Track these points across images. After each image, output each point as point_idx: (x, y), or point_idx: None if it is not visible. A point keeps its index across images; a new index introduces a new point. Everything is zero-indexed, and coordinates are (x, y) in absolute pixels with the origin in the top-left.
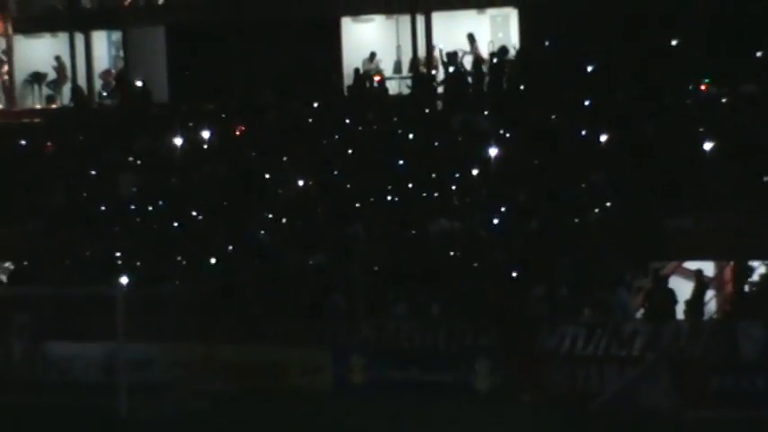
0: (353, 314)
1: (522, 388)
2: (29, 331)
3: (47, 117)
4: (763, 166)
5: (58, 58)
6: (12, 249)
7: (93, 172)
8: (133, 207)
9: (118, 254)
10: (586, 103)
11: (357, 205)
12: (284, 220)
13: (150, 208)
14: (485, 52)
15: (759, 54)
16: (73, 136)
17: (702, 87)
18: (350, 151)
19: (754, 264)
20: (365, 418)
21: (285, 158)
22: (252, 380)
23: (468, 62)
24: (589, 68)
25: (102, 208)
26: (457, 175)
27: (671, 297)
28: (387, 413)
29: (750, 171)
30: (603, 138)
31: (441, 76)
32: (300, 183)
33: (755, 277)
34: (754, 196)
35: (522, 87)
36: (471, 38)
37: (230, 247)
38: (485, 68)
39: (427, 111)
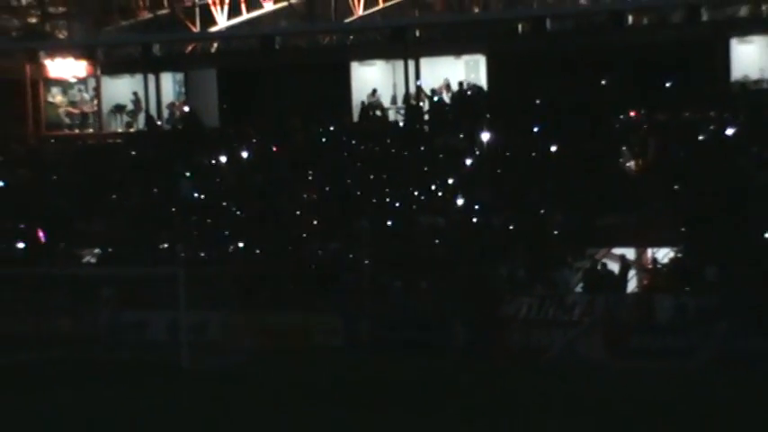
0: (360, 289)
1: (489, 345)
2: (112, 302)
3: (126, 138)
4: (669, 176)
5: (135, 94)
6: (100, 238)
7: (162, 178)
8: (190, 207)
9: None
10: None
11: (363, 205)
12: (309, 217)
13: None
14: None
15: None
16: (146, 152)
17: (632, 114)
18: (358, 164)
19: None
20: (369, 367)
21: (308, 170)
22: (282, 339)
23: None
24: (537, 101)
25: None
26: (438, 182)
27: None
28: (385, 364)
29: (660, 180)
30: (552, 153)
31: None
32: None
33: (666, 260)
34: (663, 199)
35: (488, 116)
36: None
37: (268, 238)
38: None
39: (417, 132)
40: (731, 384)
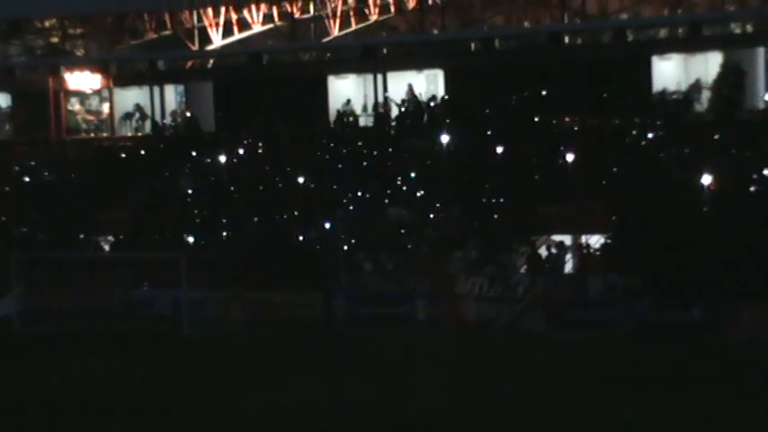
0: (337, 270)
1: (447, 318)
2: (124, 282)
3: (135, 141)
4: (600, 174)
5: (137, 105)
6: (112, 227)
7: (166, 175)
8: (190, 200)
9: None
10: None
11: (339, 198)
12: (293, 209)
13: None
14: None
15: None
16: (152, 152)
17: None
18: (334, 163)
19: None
20: (343, 337)
21: (291, 167)
22: (269, 313)
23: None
24: (487, 109)
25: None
26: (402, 178)
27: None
28: (357, 334)
29: (593, 177)
30: (499, 153)
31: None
32: (302, 183)
33: (597, 245)
34: (595, 193)
35: (446, 120)
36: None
37: (257, 227)
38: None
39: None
40: (651, 349)
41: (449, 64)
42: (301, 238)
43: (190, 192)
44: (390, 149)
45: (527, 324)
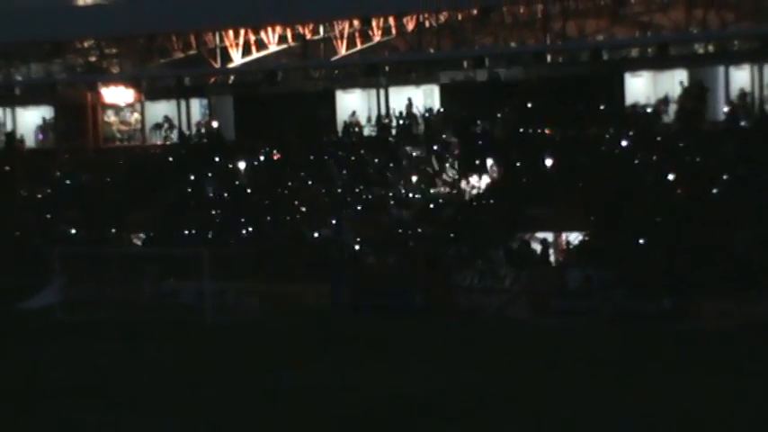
0: (343, 264)
1: (442, 306)
2: (153, 275)
3: (164, 149)
4: (579, 179)
5: (166, 116)
6: (143, 226)
7: (191, 178)
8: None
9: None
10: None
11: (346, 200)
12: (303, 209)
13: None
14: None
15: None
16: (179, 159)
17: (547, 131)
18: (341, 169)
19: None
20: (349, 322)
21: (303, 172)
22: (285, 302)
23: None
24: (478, 120)
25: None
26: (403, 182)
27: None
28: (360, 320)
29: (572, 181)
30: (489, 162)
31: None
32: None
33: (576, 242)
34: (574, 196)
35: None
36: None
37: (272, 225)
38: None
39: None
40: (624, 335)
41: (444, 80)
42: (313, 235)
43: (213, 194)
44: (391, 156)
45: (513, 312)
